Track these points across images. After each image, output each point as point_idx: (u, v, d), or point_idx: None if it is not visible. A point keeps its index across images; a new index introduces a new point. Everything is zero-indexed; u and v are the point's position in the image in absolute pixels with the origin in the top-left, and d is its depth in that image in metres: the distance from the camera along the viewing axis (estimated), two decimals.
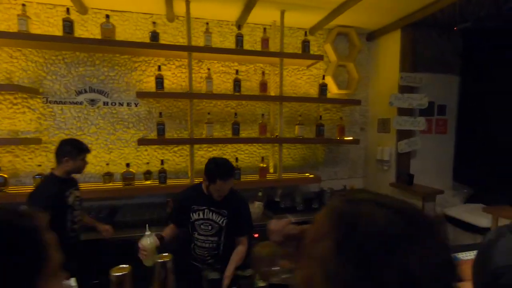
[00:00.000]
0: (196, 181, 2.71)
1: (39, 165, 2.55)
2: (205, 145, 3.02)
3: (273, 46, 2.96)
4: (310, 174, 3.17)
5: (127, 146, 2.82)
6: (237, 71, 2.82)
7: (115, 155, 2.81)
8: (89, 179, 2.74)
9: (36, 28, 2.50)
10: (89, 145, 2.72)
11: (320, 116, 3.17)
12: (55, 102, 2.66)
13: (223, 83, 3.01)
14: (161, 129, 2.57)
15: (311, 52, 3.23)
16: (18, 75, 2.57)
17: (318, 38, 3.32)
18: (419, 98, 2.99)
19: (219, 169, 1.63)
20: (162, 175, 2.58)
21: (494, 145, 3.14)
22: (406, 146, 3.03)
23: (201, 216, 1.73)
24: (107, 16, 2.45)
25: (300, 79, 3.30)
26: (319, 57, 2.90)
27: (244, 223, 1.78)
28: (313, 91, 3.32)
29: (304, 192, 3.18)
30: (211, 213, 1.74)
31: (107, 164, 2.69)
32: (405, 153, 3.08)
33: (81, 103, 2.71)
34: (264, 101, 3.01)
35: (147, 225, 1.63)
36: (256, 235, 2.57)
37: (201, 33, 2.75)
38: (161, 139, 2.58)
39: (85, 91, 2.72)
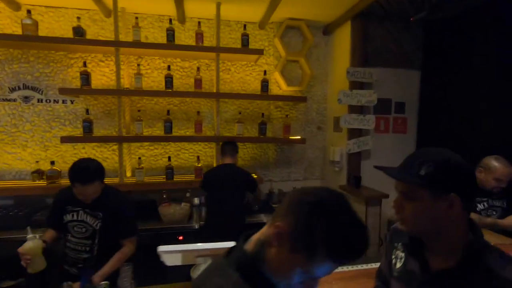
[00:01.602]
0: (126, 180, 2.65)
1: None
2: (146, 143, 2.95)
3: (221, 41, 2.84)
4: (255, 175, 3.02)
5: (62, 145, 2.79)
6: (169, 67, 2.73)
7: (51, 153, 2.79)
8: (25, 176, 2.73)
9: None
10: (24, 143, 2.74)
11: (263, 114, 3.02)
12: None
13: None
14: (87, 127, 2.51)
15: (260, 46, 3.11)
16: None
17: (269, 32, 3.17)
18: (368, 94, 2.78)
19: (75, 173, 1.54)
20: None
21: (458, 144, 2.86)
22: (355, 146, 2.83)
23: (75, 217, 1.64)
24: (29, 12, 2.42)
25: (250, 75, 3.16)
26: (259, 52, 2.75)
27: (124, 226, 1.67)
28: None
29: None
30: (85, 215, 1.65)
31: (37, 162, 2.67)
32: (355, 154, 2.88)
33: (15, 100, 2.71)
34: (198, 97, 2.89)
35: (28, 227, 1.56)
36: (181, 238, 2.47)
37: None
38: (87, 137, 2.52)
39: (19, 88, 2.71)
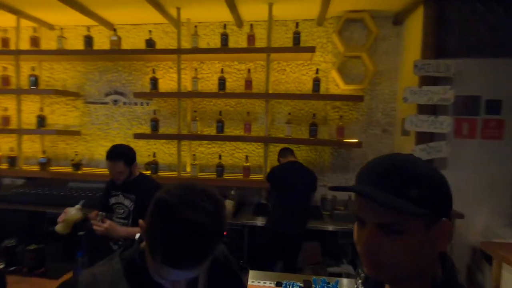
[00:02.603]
0: (183, 174, 2.92)
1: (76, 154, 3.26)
2: (205, 142, 3.18)
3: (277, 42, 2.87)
4: None
5: (140, 140, 3.27)
6: (222, 70, 2.87)
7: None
8: None
9: (76, 45, 3.22)
10: (113, 138, 3.33)
11: (314, 115, 2.85)
12: (91, 103, 3.35)
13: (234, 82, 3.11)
14: (153, 125, 2.88)
15: (318, 44, 2.96)
16: (69, 82, 3.37)
17: (328, 29, 2.99)
18: (442, 91, 2.31)
19: (107, 152, 1.87)
20: (153, 166, 2.88)
21: None
22: (423, 153, 2.38)
23: (116, 200, 1.94)
24: (114, 30, 2.93)
25: (306, 74, 3.04)
26: (310, 49, 2.62)
27: None
28: (321, 87, 3.00)
29: None
30: (123, 198, 1.92)
31: None
32: None
33: (107, 103, 3.33)
34: (248, 98, 2.93)
35: (82, 201, 1.90)
36: (225, 233, 2.56)
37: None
38: (153, 134, 2.89)
39: (111, 93, 3.32)
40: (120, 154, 1.85)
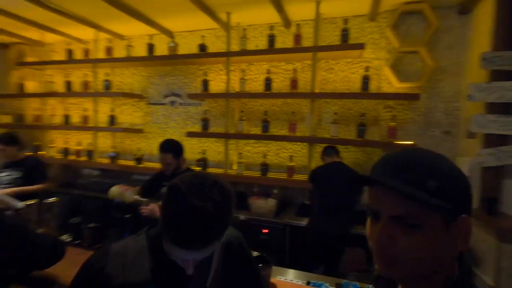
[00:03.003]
0: (229, 171, 3.05)
1: (139, 149, 3.65)
2: (252, 141, 3.27)
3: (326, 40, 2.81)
4: None
5: (192, 138, 3.52)
6: (268, 71, 2.92)
7: (185, 145, 3.56)
8: None
9: (140, 52, 3.60)
10: (170, 136, 3.63)
11: (363, 114, 2.70)
12: (152, 104, 3.71)
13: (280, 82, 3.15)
14: (203, 124, 3.08)
15: (370, 40, 2.83)
16: (135, 86, 3.79)
17: (381, 23, 2.82)
18: None
19: (160, 144, 2.11)
20: (202, 163, 3.07)
21: None
22: (491, 158, 2.09)
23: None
24: (172, 37, 3.20)
25: (356, 73, 2.92)
26: (359, 46, 2.50)
27: None
28: (372, 86, 2.84)
29: None
30: None
31: None
32: (492, 169, 2.12)
33: (165, 104, 3.65)
34: (292, 98, 2.91)
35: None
36: (266, 231, 2.62)
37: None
38: (203, 133, 3.08)
39: (169, 95, 3.63)
40: (170, 147, 2.05)
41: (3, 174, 2.47)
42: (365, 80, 2.55)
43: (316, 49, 2.64)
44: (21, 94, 4.00)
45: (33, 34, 3.80)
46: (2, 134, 2.55)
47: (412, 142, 2.59)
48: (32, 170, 2.52)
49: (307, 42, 2.89)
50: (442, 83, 2.68)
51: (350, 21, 2.89)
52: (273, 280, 1.46)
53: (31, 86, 4.11)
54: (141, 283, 0.75)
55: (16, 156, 2.51)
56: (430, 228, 0.49)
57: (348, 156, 2.98)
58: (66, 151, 3.77)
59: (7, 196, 1.82)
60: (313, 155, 2.84)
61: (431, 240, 0.49)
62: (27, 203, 1.71)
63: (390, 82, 2.78)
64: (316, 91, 2.83)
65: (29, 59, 4.13)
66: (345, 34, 2.57)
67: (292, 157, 2.98)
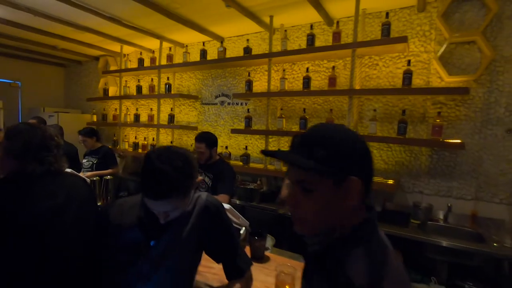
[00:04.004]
0: (269, 167, 3.20)
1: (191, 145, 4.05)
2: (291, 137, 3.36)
3: (370, 36, 2.76)
4: (391, 181, 2.64)
5: (239, 135, 3.78)
6: (307, 69, 2.97)
7: (232, 141, 3.86)
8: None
9: (196, 58, 4.01)
10: (220, 133, 3.96)
11: (403, 111, 2.55)
12: (205, 104, 4.10)
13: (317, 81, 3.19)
14: (247, 122, 3.29)
15: (419, 32, 2.69)
16: (191, 88, 4.23)
17: (432, 14, 2.63)
18: None
19: (196, 135, 2.41)
20: (244, 158, 3.29)
21: None
22: None
23: (201, 177, 2.39)
24: (221, 42, 3.50)
25: (402, 68, 2.76)
26: (401, 40, 2.39)
27: (224, 185, 2.28)
28: (420, 81, 2.68)
29: (386, 202, 2.70)
30: (205, 176, 2.38)
31: (226, 147, 3.75)
32: None
33: (216, 104, 3.99)
34: (330, 95, 2.90)
35: None
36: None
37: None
38: (246, 130, 3.30)
39: (219, 96, 3.96)
40: (204, 138, 2.31)
41: (85, 160, 3.11)
42: (407, 74, 2.42)
43: (354, 45, 2.61)
44: (105, 97, 4.82)
45: (114, 47, 4.57)
46: (83, 128, 3.21)
47: (459, 141, 2.36)
48: (105, 157, 3.10)
49: (350, 39, 2.86)
50: (505, 75, 2.37)
51: (397, 14, 2.78)
52: (268, 253, 1.59)
53: (112, 90, 4.93)
54: (130, 225, 1.01)
55: (94, 146, 3.14)
56: (322, 191, 0.59)
57: (391, 155, 2.84)
58: (136, 145, 4.42)
59: None
60: None
61: (323, 201, 0.59)
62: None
63: (440, 76, 2.57)
64: (357, 87, 2.78)
65: (112, 68, 4.96)
66: (385, 28, 2.49)
67: None
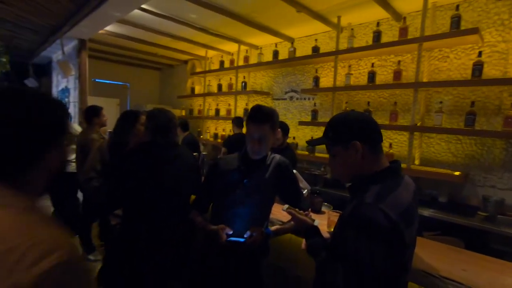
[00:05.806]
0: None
1: None
2: None
3: (441, 28, 2.81)
4: (457, 172, 2.64)
5: (306, 127, 4.11)
6: (372, 64, 3.12)
7: (299, 133, 4.22)
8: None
9: (269, 58, 4.47)
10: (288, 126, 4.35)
11: (472, 103, 2.52)
12: (276, 99, 4.54)
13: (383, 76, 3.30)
14: (313, 115, 3.61)
15: (497, 21, 2.63)
16: (264, 85, 4.73)
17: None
18: None
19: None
20: (310, 148, 3.62)
21: None
22: None
23: None
24: (292, 42, 3.88)
25: (475, 59, 2.72)
26: (471, 31, 2.39)
27: None
28: (496, 72, 2.61)
29: (455, 195, 2.73)
30: None
31: (293, 138, 4.14)
32: None
33: (285, 99, 4.39)
34: (395, 89, 2.98)
35: None
36: None
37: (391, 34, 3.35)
38: (311, 122, 3.62)
39: (288, 91, 4.36)
40: (280, 126, 2.70)
41: None
42: (477, 66, 2.41)
43: (420, 39, 2.68)
44: (192, 95, 5.69)
45: (200, 52, 5.38)
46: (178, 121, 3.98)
47: None
48: (188, 144, 3.81)
49: (417, 32, 2.92)
50: None
51: (472, 4, 2.75)
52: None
53: (197, 89, 5.78)
54: (232, 169, 1.49)
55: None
56: (339, 154, 0.98)
57: (461, 148, 2.81)
58: (216, 136, 5.14)
59: None
60: (421, 145, 2.87)
61: (341, 160, 0.98)
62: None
63: None
64: (424, 80, 2.84)
65: (198, 69, 5.81)
66: (455, 20, 2.51)
67: (392, 145, 3.10)
